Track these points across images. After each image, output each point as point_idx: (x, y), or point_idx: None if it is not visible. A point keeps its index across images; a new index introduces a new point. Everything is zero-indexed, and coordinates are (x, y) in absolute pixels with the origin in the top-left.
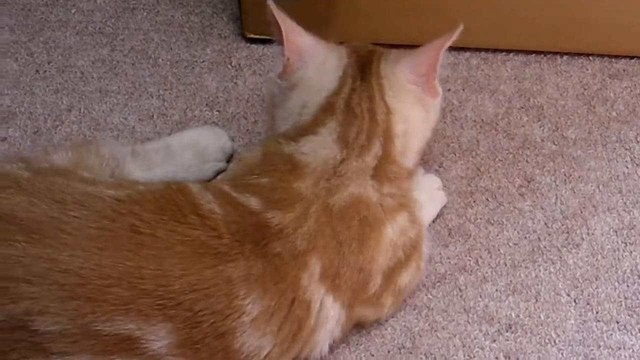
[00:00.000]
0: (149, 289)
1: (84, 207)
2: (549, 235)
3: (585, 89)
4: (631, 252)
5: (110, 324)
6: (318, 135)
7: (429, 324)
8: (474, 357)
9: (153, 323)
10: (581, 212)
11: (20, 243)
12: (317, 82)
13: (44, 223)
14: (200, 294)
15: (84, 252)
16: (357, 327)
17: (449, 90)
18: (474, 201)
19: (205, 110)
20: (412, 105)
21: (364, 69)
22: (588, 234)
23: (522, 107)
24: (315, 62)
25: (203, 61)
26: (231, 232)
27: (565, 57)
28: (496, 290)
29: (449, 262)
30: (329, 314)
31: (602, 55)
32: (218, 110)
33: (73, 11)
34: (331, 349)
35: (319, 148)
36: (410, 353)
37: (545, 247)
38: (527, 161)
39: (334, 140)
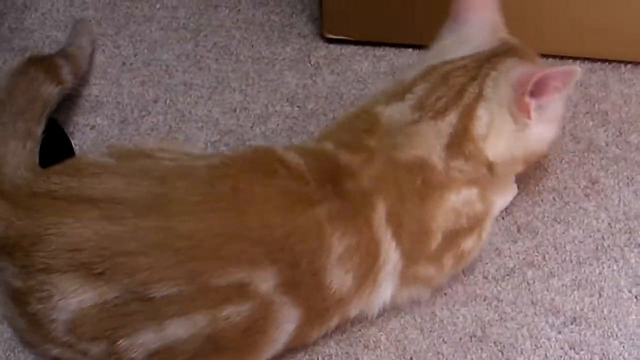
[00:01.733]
0: (256, 240)
1: (183, 178)
2: (612, 234)
3: None
4: None
5: (224, 277)
6: (404, 101)
7: (498, 315)
8: (540, 347)
9: (261, 268)
10: None
11: (129, 219)
12: (444, 49)
13: (149, 198)
14: (297, 238)
15: (194, 217)
16: (430, 313)
17: None
18: (542, 200)
19: (286, 106)
20: (501, 107)
21: (490, 58)
22: None
23: (588, 112)
24: (462, 31)
25: (283, 59)
26: (314, 177)
27: (629, 66)
28: (562, 285)
29: (518, 257)
30: (392, 259)
31: None
32: (298, 106)
33: (157, 6)
34: (404, 333)
35: (397, 113)
36: (481, 341)
37: (608, 245)
38: (592, 164)
39: (411, 106)
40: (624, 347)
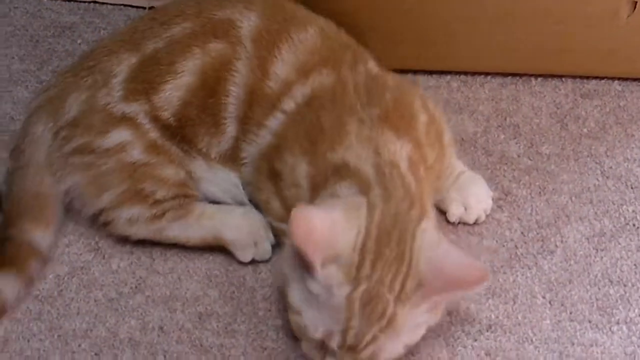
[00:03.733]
0: None
1: None
2: (525, 243)
3: (558, 108)
4: (602, 257)
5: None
6: None
7: None
8: (457, 355)
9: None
10: (555, 222)
11: None
12: None
13: None
14: None
15: None
16: None
17: None
18: None
19: None
20: None
21: None
22: (562, 241)
23: (500, 126)
24: None
25: None
26: None
27: (539, 79)
28: (477, 293)
29: None
30: None
31: (574, 77)
32: None
33: (79, 42)
34: None
35: None
36: None
37: (522, 254)
38: (504, 175)
39: None
40: (539, 351)
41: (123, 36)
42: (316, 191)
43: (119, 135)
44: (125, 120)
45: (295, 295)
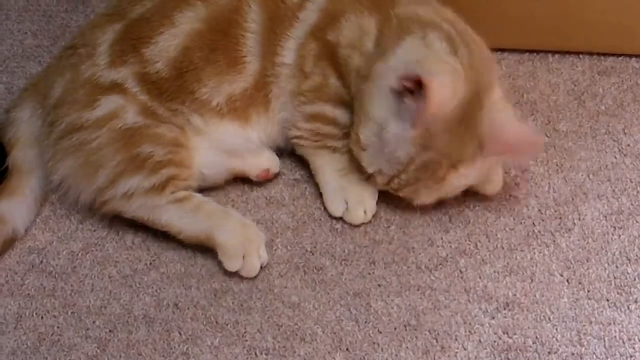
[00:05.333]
0: None
1: None
2: (543, 220)
3: (575, 85)
4: (619, 235)
5: None
6: None
7: (432, 303)
8: (474, 333)
9: None
10: (572, 199)
11: None
12: None
13: None
14: None
15: None
16: (365, 304)
17: None
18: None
19: None
20: None
21: None
22: (579, 219)
23: (517, 103)
24: None
25: None
26: None
27: (556, 56)
28: (494, 271)
29: (450, 246)
30: None
31: (591, 53)
32: None
33: (92, 16)
34: (340, 325)
35: None
36: (415, 330)
37: (539, 231)
38: None
39: None
40: (556, 329)
41: (107, 10)
42: (382, 46)
43: (110, 102)
44: (114, 87)
45: (367, 133)
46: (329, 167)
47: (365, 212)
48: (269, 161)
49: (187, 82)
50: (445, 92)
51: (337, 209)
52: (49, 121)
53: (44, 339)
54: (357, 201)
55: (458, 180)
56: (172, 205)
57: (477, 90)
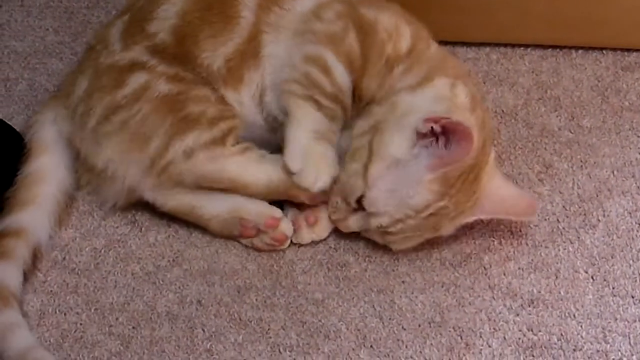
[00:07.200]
0: None
1: None
2: (567, 217)
3: (599, 81)
4: None
5: None
6: None
7: (456, 300)
8: (499, 330)
9: None
10: (597, 196)
11: None
12: None
13: None
14: None
15: None
16: (389, 301)
17: None
18: None
19: None
20: None
21: None
22: (604, 215)
23: (540, 99)
24: None
25: None
26: None
27: (580, 51)
28: (519, 268)
29: (474, 243)
30: None
31: (614, 49)
32: None
33: (113, 12)
34: (364, 322)
35: None
36: (440, 327)
37: (563, 228)
38: (545, 149)
39: None
40: (581, 326)
41: (118, 12)
42: (411, 67)
43: (137, 78)
44: (134, 65)
45: (379, 170)
46: (305, 123)
47: (315, 181)
48: None
49: (187, 43)
50: (474, 141)
51: (295, 165)
52: (79, 114)
53: (67, 336)
54: (314, 168)
55: (446, 232)
56: (236, 156)
57: (484, 148)
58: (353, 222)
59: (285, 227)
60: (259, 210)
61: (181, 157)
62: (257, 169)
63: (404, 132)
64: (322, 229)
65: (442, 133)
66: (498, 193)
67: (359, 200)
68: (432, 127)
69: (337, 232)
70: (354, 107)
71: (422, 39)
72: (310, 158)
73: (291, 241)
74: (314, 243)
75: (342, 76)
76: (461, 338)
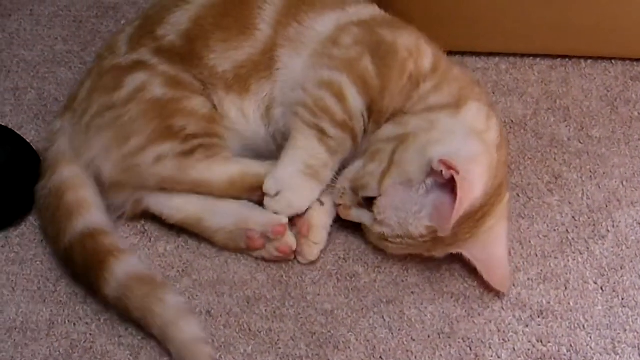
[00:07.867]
0: None
1: None
2: (577, 227)
3: (608, 91)
4: None
5: None
6: None
7: (465, 311)
8: (508, 341)
9: None
10: (606, 206)
11: None
12: None
13: None
14: None
15: None
16: (398, 312)
17: None
18: None
19: None
20: None
21: None
22: (613, 226)
23: (549, 109)
24: None
25: None
26: None
27: (589, 61)
28: (528, 279)
29: None
30: None
31: (624, 59)
32: None
33: (122, 22)
34: (373, 333)
35: None
36: (449, 338)
37: (573, 238)
38: (554, 159)
39: None
40: (590, 337)
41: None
42: (438, 84)
43: (135, 79)
44: (136, 65)
45: (393, 181)
46: (301, 154)
47: (283, 209)
48: None
49: (197, 47)
50: (473, 195)
51: (272, 190)
52: (80, 112)
53: (77, 346)
54: (288, 199)
55: (438, 255)
56: (202, 163)
57: (500, 188)
58: (355, 215)
59: (290, 239)
60: (266, 219)
61: (151, 162)
62: (221, 169)
63: (425, 157)
64: (317, 233)
65: (449, 181)
66: (491, 247)
67: (368, 199)
68: (440, 170)
69: (346, 242)
70: (372, 125)
71: (443, 58)
72: (290, 189)
73: None
74: (322, 253)
75: (355, 101)
76: (470, 349)
